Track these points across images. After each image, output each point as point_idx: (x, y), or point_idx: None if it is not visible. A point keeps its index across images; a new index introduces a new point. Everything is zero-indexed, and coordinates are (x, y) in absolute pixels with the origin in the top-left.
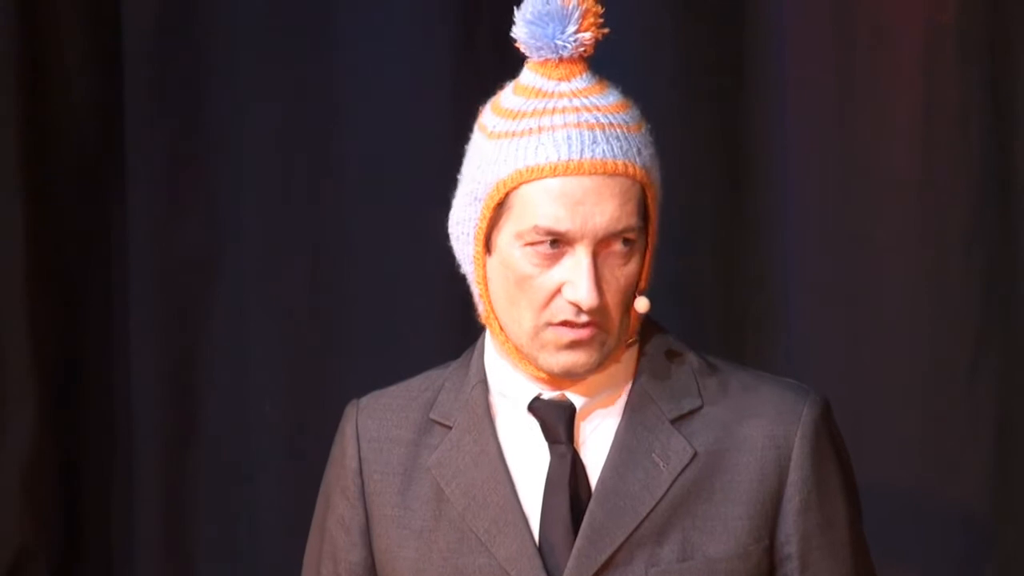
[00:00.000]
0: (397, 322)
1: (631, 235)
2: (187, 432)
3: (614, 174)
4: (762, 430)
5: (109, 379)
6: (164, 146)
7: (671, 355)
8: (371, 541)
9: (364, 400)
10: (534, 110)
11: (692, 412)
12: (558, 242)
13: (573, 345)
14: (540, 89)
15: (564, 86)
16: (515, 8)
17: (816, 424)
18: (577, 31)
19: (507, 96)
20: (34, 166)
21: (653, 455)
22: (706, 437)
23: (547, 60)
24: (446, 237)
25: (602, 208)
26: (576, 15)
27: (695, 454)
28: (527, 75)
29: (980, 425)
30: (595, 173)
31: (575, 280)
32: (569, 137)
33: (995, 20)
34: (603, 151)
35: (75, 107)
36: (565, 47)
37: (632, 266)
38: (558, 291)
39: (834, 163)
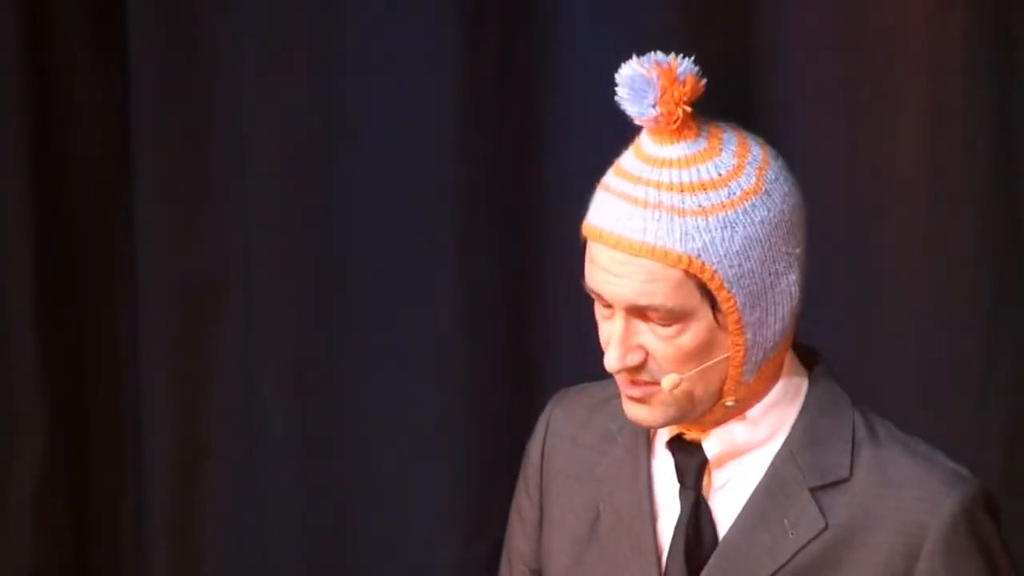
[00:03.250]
0: (408, 340)
1: (657, 314)
2: (197, 453)
3: (636, 255)
4: (898, 513)
5: (118, 403)
6: (172, 163)
7: (836, 415)
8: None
9: (566, 393)
10: (619, 168)
11: (836, 483)
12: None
13: (629, 398)
14: (640, 149)
15: (658, 151)
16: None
17: (957, 518)
18: (655, 103)
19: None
20: (44, 187)
21: (784, 520)
22: (843, 511)
23: (646, 124)
24: (456, 256)
25: (620, 282)
26: (654, 88)
27: (826, 526)
28: (643, 134)
29: (988, 443)
30: (618, 248)
31: (607, 339)
32: (609, 205)
33: (1004, 29)
34: (631, 229)
35: (82, 125)
36: (647, 117)
37: (687, 340)
38: None
39: (841, 177)
